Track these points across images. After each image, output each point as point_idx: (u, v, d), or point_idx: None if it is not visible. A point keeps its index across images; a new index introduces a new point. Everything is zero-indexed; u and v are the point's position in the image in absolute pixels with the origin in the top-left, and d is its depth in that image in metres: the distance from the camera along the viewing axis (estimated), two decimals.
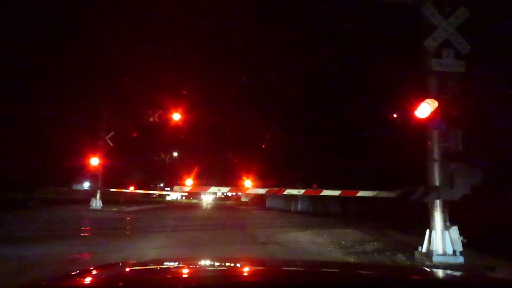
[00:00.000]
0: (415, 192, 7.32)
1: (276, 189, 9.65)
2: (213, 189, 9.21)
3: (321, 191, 9.66)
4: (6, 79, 20.03)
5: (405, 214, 14.20)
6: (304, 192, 9.62)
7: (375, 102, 13.95)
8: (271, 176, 27.57)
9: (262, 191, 10.29)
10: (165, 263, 2.72)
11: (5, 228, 10.74)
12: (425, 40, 7.03)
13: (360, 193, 8.99)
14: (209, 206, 41.35)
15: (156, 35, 16.62)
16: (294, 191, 9.39)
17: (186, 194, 79.71)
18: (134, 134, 22.38)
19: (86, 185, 36.95)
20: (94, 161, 21.25)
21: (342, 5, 11.55)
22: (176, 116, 19.98)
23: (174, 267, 2.46)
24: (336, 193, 9.33)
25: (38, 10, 17.00)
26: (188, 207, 35.86)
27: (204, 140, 31.01)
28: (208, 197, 69.48)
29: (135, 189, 31.61)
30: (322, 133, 21.83)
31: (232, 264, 2.67)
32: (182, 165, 38.44)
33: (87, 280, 1.88)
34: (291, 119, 23.34)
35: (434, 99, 6.77)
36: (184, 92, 20.08)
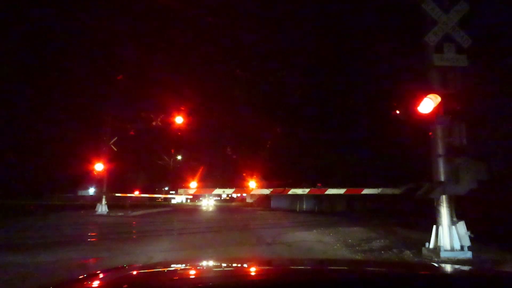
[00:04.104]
0: (420, 188, 7.29)
1: (281, 189, 9.63)
2: (217, 190, 9.14)
3: (325, 190, 9.63)
4: (10, 85, 20.15)
5: (411, 211, 14.14)
6: (309, 192, 9.59)
7: (379, 98, 13.91)
8: (276, 176, 27.55)
9: (266, 191, 10.28)
10: (171, 265, 2.71)
11: (12, 235, 10.79)
12: (425, 35, 7.00)
13: (365, 191, 8.95)
14: (214, 208, 41.37)
15: (158, 36, 16.67)
16: (299, 191, 9.36)
17: (191, 197, 79.97)
18: (132, 132, 22.41)
19: (91, 190, 37.07)
20: (99, 166, 21.32)
21: (345, 0, 11.52)
22: (179, 120, 20.00)
23: (180, 269, 2.46)
24: (341, 191, 9.30)
25: (42, 18, 17.10)
26: (193, 210, 35.89)
27: (207, 142, 31.05)
28: (210, 201, 69.41)
29: (140, 193, 31.67)
30: (326, 132, 21.78)
31: (239, 265, 2.66)
32: (187, 167, 38.52)
33: (93, 283, 1.88)
34: (294, 118, 23.32)
35: (437, 94, 6.73)
36: (189, 90, 20.10)
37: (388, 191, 8.84)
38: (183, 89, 20.52)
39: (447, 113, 6.83)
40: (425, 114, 6.63)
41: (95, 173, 21.95)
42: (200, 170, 30.26)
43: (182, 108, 19.92)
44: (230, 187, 9.46)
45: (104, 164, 21.47)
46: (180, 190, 9.74)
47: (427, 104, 6.55)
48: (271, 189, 9.88)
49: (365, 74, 15.41)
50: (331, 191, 9.33)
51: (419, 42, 7.25)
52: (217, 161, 36.69)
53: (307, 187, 9.95)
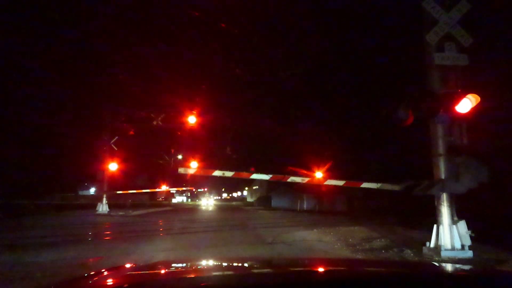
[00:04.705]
0: (420, 185, 7.27)
1: (281, 176, 9.61)
2: (217, 172, 9.19)
3: (324, 181, 9.60)
4: (10, 85, 20.17)
5: (411, 210, 14.14)
6: (307, 181, 9.56)
7: (380, 97, 13.91)
8: (276, 173, 27.56)
9: (266, 177, 10.23)
10: (172, 265, 2.71)
11: (12, 235, 10.79)
12: (426, 34, 6.98)
13: (364, 185, 8.92)
14: (214, 207, 41.36)
15: (159, 36, 16.66)
16: (298, 179, 9.35)
17: (190, 196, 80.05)
18: (131, 132, 22.41)
19: (92, 190, 37.13)
20: (100, 166, 21.35)
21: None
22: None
23: (181, 269, 2.46)
24: (340, 183, 9.27)
25: (45, 18, 17.09)
26: (194, 209, 35.90)
27: (208, 140, 31.01)
28: (210, 201, 69.44)
29: (140, 192, 31.70)
30: (327, 130, 21.81)
31: (240, 264, 2.66)
32: (187, 167, 38.44)
33: (94, 283, 1.88)
34: (296, 114, 23.36)
35: (437, 93, 6.73)
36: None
37: (388, 186, 8.79)
38: (182, 90, 20.52)
39: (448, 112, 6.79)
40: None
41: (96, 173, 21.98)
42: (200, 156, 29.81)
43: (183, 109, 19.89)
44: (230, 171, 9.44)
45: (105, 163, 21.48)
46: (180, 169, 9.68)
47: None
48: (271, 175, 9.79)
49: (365, 73, 15.41)
50: (330, 182, 9.30)
51: (420, 40, 7.23)
52: (217, 158, 36.68)
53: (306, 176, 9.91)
